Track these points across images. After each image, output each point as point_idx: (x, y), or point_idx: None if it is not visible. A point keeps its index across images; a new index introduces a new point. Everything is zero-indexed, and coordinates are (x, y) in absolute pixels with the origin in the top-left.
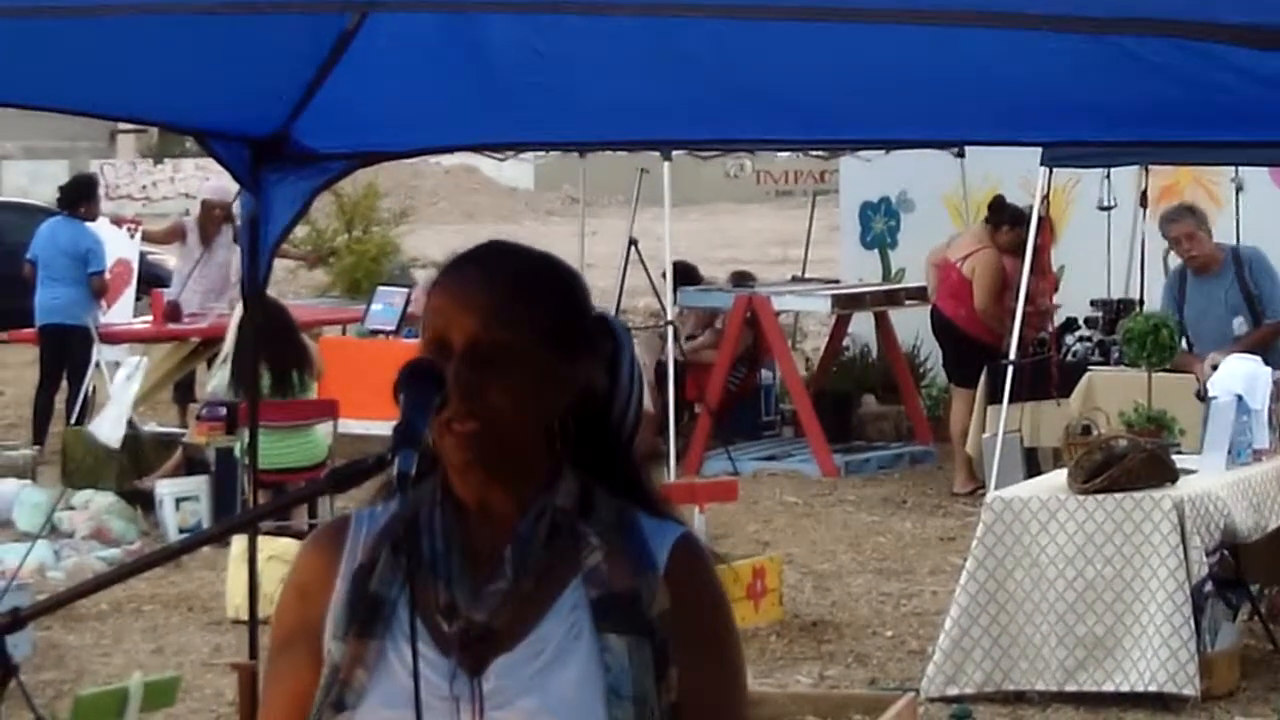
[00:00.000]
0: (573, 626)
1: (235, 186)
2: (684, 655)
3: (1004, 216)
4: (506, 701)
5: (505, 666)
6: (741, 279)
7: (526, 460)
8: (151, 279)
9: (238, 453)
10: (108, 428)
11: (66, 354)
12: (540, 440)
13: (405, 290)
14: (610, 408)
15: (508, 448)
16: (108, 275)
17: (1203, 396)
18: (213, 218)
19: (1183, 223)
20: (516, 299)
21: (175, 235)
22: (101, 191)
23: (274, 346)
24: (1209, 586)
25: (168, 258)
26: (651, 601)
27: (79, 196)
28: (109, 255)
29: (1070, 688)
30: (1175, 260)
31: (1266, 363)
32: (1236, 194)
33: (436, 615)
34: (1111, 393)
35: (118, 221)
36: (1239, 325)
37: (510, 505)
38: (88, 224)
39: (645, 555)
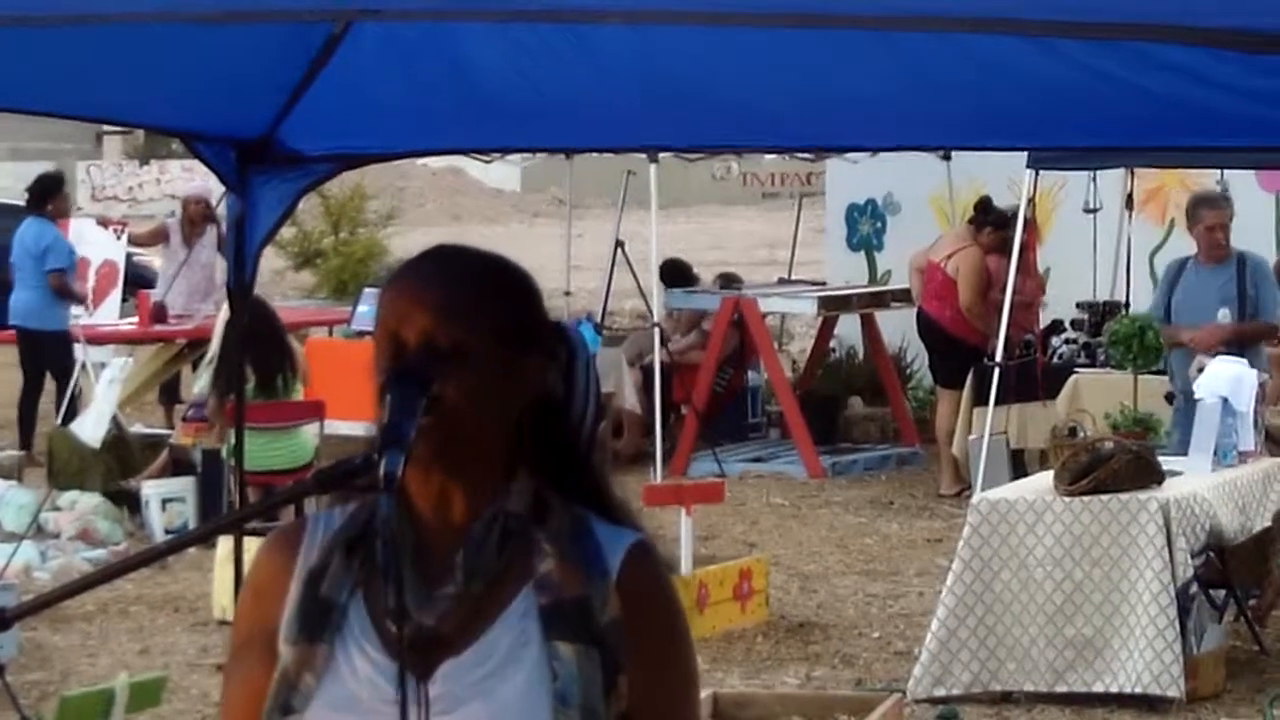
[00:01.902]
0: (522, 633)
1: (219, 186)
2: (634, 664)
3: (988, 218)
4: (452, 706)
5: (452, 671)
6: (727, 281)
7: (485, 460)
8: (138, 280)
9: (224, 454)
10: (89, 428)
11: (41, 357)
12: (499, 440)
13: None
14: (567, 414)
15: (465, 444)
16: (81, 272)
17: (1172, 399)
18: (192, 216)
19: (1227, 210)
20: (470, 295)
21: (160, 237)
22: (88, 192)
23: (260, 349)
24: (1194, 588)
25: (154, 259)
26: (602, 609)
27: (45, 195)
28: (96, 256)
29: (1060, 689)
30: (1161, 263)
31: (1244, 358)
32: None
33: (385, 619)
34: (1097, 395)
35: (104, 223)
36: (1223, 316)
37: (464, 509)
38: (51, 221)
39: (597, 562)
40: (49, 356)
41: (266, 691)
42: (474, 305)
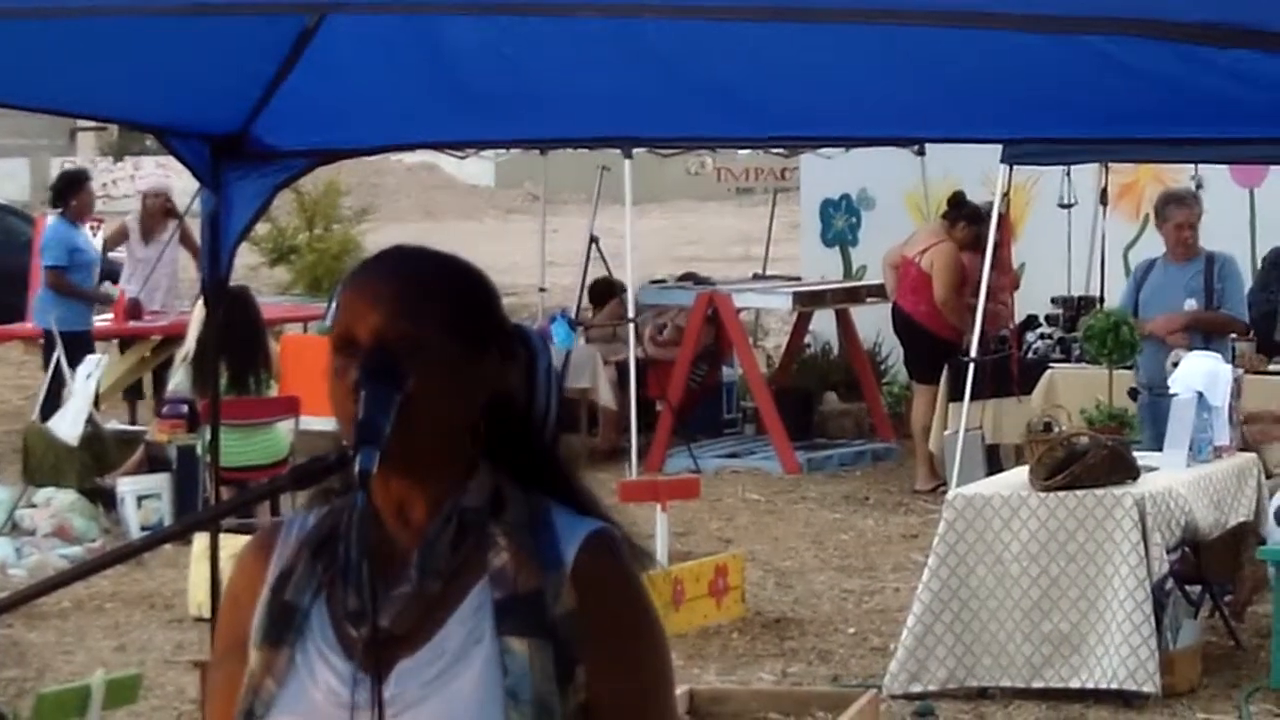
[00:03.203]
0: (474, 630)
1: (179, 182)
2: (592, 655)
3: (961, 213)
4: (405, 707)
5: (406, 672)
6: (693, 282)
7: (444, 458)
8: (113, 277)
9: (199, 450)
10: (67, 425)
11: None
12: (456, 439)
13: None
14: (529, 413)
15: (422, 442)
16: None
17: (1135, 395)
18: (151, 211)
19: (1196, 208)
20: (420, 294)
21: (122, 236)
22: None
23: (236, 344)
24: (1170, 584)
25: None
26: (555, 601)
27: (65, 193)
28: None
29: (1036, 684)
30: (1135, 258)
31: (1209, 350)
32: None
33: (345, 621)
34: (1072, 390)
35: None
36: (1189, 305)
37: (424, 508)
38: (70, 221)
39: (553, 553)
40: (43, 353)
41: None
42: (423, 302)
